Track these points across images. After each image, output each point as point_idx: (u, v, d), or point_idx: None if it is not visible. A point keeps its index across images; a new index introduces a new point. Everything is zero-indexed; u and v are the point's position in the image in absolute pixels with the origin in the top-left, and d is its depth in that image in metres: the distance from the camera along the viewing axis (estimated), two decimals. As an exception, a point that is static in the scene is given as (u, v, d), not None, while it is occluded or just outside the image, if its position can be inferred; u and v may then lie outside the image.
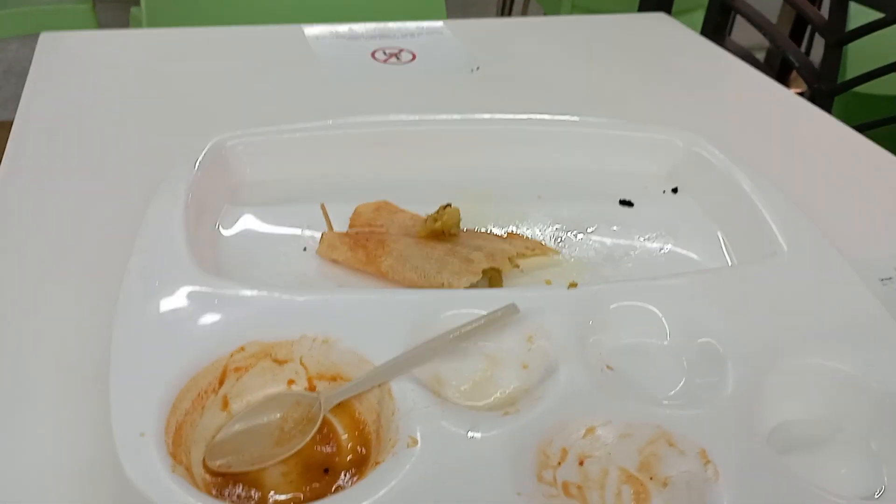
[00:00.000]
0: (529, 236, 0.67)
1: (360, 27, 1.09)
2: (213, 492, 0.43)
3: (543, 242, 0.66)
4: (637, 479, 0.44)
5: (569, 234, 0.67)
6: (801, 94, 1.03)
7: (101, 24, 1.38)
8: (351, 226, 0.65)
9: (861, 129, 0.89)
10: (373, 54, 1.01)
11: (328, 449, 0.46)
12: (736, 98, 1.00)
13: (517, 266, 0.61)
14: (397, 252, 0.59)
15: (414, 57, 1.02)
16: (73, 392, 0.49)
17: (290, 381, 0.49)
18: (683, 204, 0.72)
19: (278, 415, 0.47)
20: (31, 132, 0.78)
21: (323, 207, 0.64)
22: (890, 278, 0.61)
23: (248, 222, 0.65)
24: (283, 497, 0.43)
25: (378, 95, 0.92)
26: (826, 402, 0.50)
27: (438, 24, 1.12)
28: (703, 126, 0.77)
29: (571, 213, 0.69)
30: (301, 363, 0.49)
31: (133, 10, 1.57)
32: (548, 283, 0.61)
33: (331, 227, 0.64)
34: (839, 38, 1.21)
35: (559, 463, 0.44)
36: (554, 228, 0.68)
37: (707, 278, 0.58)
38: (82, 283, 0.59)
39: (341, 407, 0.48)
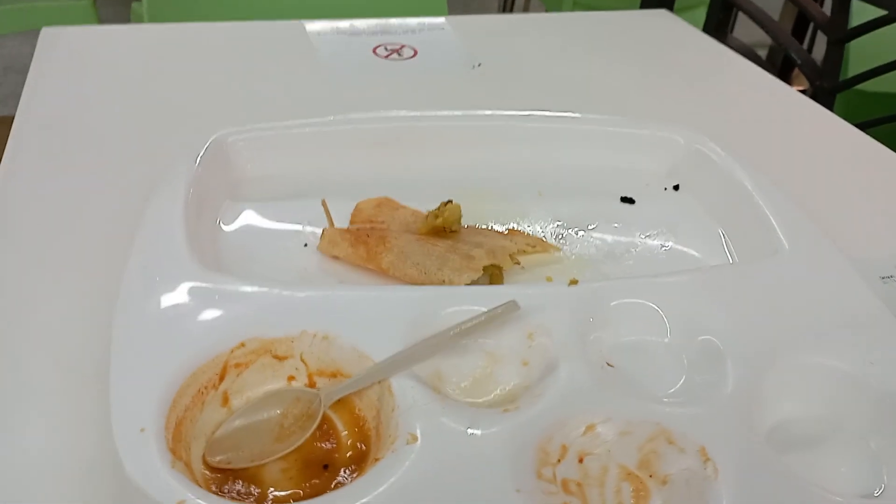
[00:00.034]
0: (530, 233, 0.66)
1: (361, 23, 1.09)
2: (213, 488, 0.43)
3: (544, 239, 0.66)
4: (637, 476, 0.44)
5: (570, 230, 0.67)
6: (803, 91, 1.03)
7: (102, 20, 1.38)
8: (352, 222, 0.65)
9: (863, 126, 0.89)
10: (374, 50, 1.01)
11: (328, 445, 0.46)
12: (738, 95, 0.99)
13: (518, 263, 0.61)
14: (398, 248, 0.59)
15: (415, 53, 1.02)
16: (73, 388, 0.49)
17: (291, 378, 0.49)
18: (684, 201, 0.72)
19: (278, 411, 0.47)
20: (31, 128, 0.78)
21: (324, 203, 0.64)
22: (891, 276, 0.61)
23: (249, 218, 0.65)
24: (282, 493, 0.43)
25: (379, 92, 0.92)
26: (826, 400, 0.50)
27: (440, 20, 1.12)
28: (704, 123, 0.77)
29: (572, 210, 0.69)
30: (301, 359, 0.49)
31: (134, 5, 1.57)
32: (549, 279, 0.61)
33: (332, 224, 0.64)
34: (841, 35, 1.21)
35: (559, 460, 0.44)
36: (555, 225, 0.68)
37: (708, 276, 0.58)
38: (82, 278, 0.59)
39: (341, 403, 0.48)
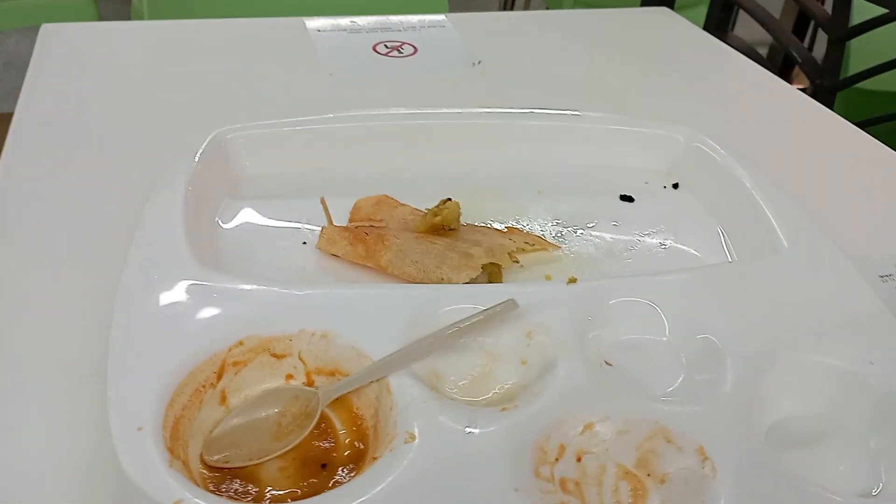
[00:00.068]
0: (529, 231, 0.66)
1: (361, 20, 1.08)
2: (211, 487, 0.43)
3: (543, 237, 0.66)
4: (635, 475, 0.44)
5: (569, 229, 0.67)
6: (803, 89, 1.03)
7: (102, 17, 1.38)
8: (351, 220, 0.65)
9: (863, 125, 0.89)
10: (374, 48, 1.01)
11: (326, 444, 0.46)
12: (738, 94, 0.99)
13: (517, 261, 0.61)
14: (397, 247, 0.59)
15: (415, 50, 1.01)
16: (72, 386, 0.49)
17: (289, 376, 0.49)
18: (684, 200, 0.72)
19: (276, 409, 0.47)
20: (31, 124, 0.78)
21: (323, 201, 0.64)
22: (890, 275, 0.61)
23: (248, 216, 0.65)
24: (280, 492, 0.43)
25: (379, 89, 0.92)
26: (825, 399, 0.50)
27: (440, 17, 1.12)
28: (704, 121, 0.77)
29: (571, 209, 0.69)
30: (299, 358, 0.49)
31: (134, 2, 1.57)
32: (547, 278, 0.61)
33: (330, 222, 0.64)
34: (842, 33, 1.21)
35: (557, 459, 0.44)
36: (554, 223, 0.68)
37: (707, 274, 0.58)
38: (81, 276, 0.59)
39: (339, 402, 0.48)
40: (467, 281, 0.56)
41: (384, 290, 0.54)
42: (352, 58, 0.98)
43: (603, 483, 0.44)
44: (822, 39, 1.29)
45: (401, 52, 1.01)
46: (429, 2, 1.32)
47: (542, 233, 0.66)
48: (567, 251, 0.65)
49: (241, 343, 0.48)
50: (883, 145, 0.85)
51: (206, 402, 0.47)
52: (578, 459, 0.45)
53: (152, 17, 1.25)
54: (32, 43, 0.95)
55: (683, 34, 1.16)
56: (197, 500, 0.39)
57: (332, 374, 0.49)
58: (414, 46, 1.02)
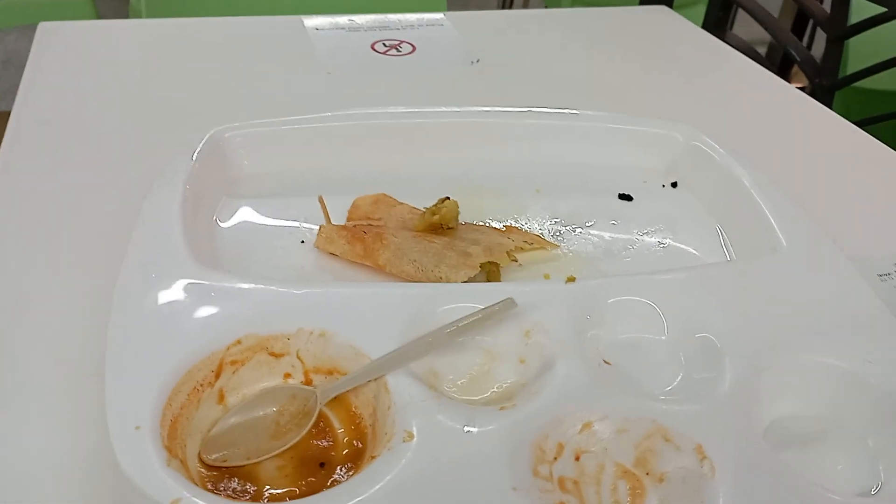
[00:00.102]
0: (528, 230, 0.66)
1: (360, 18, 1.08)
2: (209, 486, 0.43)
3: (542, 236, 0.66)
4: (633, 474, 0.44)
5: (567, 228, 0.67)
6: (802, 88, 1.03)
7: (101, 15, 1.38)
8: (349, 219, 0.65)
9: (862, 124, 0.89)
10: (372, 46, 1.01)
11: (324, 443, 0.46)
12: (737, 92, 0.99)
13: (515, 260, 0.61)
14: (395, 245, 0.59)
15: (414, 49, 1.01)
16: (70, 385, 0.49)
17: (287, 375, 0.49)
18: (683, 198, 0.72)
19: (274, 408, 0.47)
20: (28, 123, 0.78)
21: (321, 200, 0.64)
22: (889, 274, 0.61)
23: (246, 215, 0.65)
24: (278, 491, 0.43)
25: (377, 87, 0.91)
26: (824, 398, 0.50)
27: (439, 15, 1.11)
28: (703, 120, 0.77)
29: (570, 207, 0.69)
30: (297, 357, 0.49)
31: (132, 0, 1.56)
32: (546, 277, 0.61)
33: (328, 220, 0.64)
34: (841, 32, 1.21)
35: (555, 458, 0.44)
36: (552, 222, 0.68)
37: (706, 273, 0.57)
38: (79, 274, 0.58)
39: (337, 401, 0.48)
40: (465, 280, 0.56)
41: (382, 288, 0.54)
42: (350, 56, 0.98)
43: (601, 482, 0.44)
44: (820, 38, 1.29)
45: (399, 51, 1.00)
46: (427, 0, 1.32)
47: (540, 232, 0.66)
48: (566, 250, 0.65)
49: (238, 342, 0.48)
50: (882, 144, 0.85)
51: (204, 401, 0.47)
52: (577, 458, 0.45)
53: (150, 15, 1.25)
54: (31, 41, 0.94)
55: (682, 33, 1.15)
56: (195, 499, 0.39)
57: (330, 372, 0.49)
58: (412, 45, 1.02)
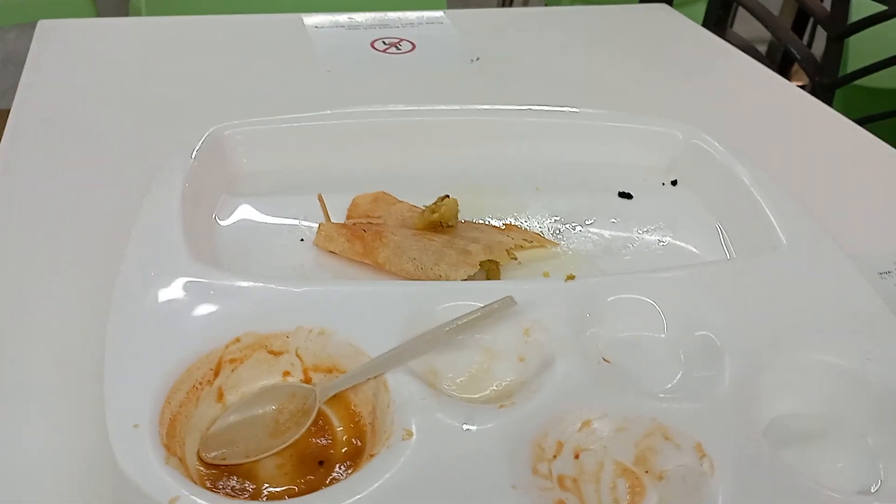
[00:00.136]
0: (527, 228, 0.66)
1: (359, 16, 1.08)
2: (208, 483, 0.43)
3: (541, 234, 0.65)
4: (632, 472, 0.44)
5: (567, 226, 0.67)
6: (802, 87, 1.03)
7: (100, 13, 1.37)
8: (348, 217, 0.65)
9: (862, 122, 0.89)
10: (372, 44, 1.01)
11: (323, 441, 0.46)
12: (737, 91, 0.99)
13: (515, 258, 0.61)
14: (394, 243, 0.59)
15: (413, 47, 1.01)
16: (70, 384, 0.49)
17: (286, 373, 0.49)
18: (683, 196, 0.72)
19: (273, 406, 0.47)
20: (27, 121, 0.78)
21: (320, 198, 0.64)
22: (889, 272, 0.61)
23: (245, 213, 0.65)
24: (277, 489, 0.43)
25: (377, 85, 0.91)
26: (823, 396, 0.50)
27: (439, 13, 1.11)
28: (703, 118, 0.77)
29: (570, 205, 0.69)
30: (297, 355, 0.49)
31: (132, -2, 1.56)
32: (545, 275, 0.61)
33: (328, 218, 0.63)
34: (841, 30, 1.21)
35: (554, 456, 0.44)
36: (552, 220, 0.67)
37: (705, 271, 0.57)
38: (78, 273, 0.58)
39: (337, 399, 0.48)
40: (465, 278, 0.56)
41: (382, 286, 0.54)
42: (350, 54, 0.98)
43: (601, 480, 0.44)
44: (821, 36, 1.29)
45: (399, 49, 1.00)
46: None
47: (540, 230, 0.66)
48: (565, 248, 0.65)
49: (238, 340, 0.48)
50: (882, 142, 0.85)
51: (203, 400, 0.47)
52: (576, 456, 0.45)
53: (150, 13, 1.25)
54: (30, 39, 0.94)
55: (682, 31, 1.15)
56: (193, 497, 0.39)
57: (329, 371, 0.49)
58: (412, 43, 1.02)
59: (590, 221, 0.67)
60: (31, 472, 0.44)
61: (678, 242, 0.66)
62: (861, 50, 1.33)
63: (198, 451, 0.44)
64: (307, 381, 0.49)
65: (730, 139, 0.72)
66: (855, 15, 1.21)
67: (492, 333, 0.51)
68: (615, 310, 0.54)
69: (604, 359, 0.52)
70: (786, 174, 0.72)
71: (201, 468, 0.43)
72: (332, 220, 0.63)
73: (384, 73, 0.94)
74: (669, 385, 0.51)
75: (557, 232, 0.66)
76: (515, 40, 1.07)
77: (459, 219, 0.63)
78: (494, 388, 0.49)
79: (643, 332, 0.54)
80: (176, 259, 0.53)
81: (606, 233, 0.67)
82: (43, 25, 0.98)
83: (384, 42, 1.02)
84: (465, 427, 0.43)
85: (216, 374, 0.47)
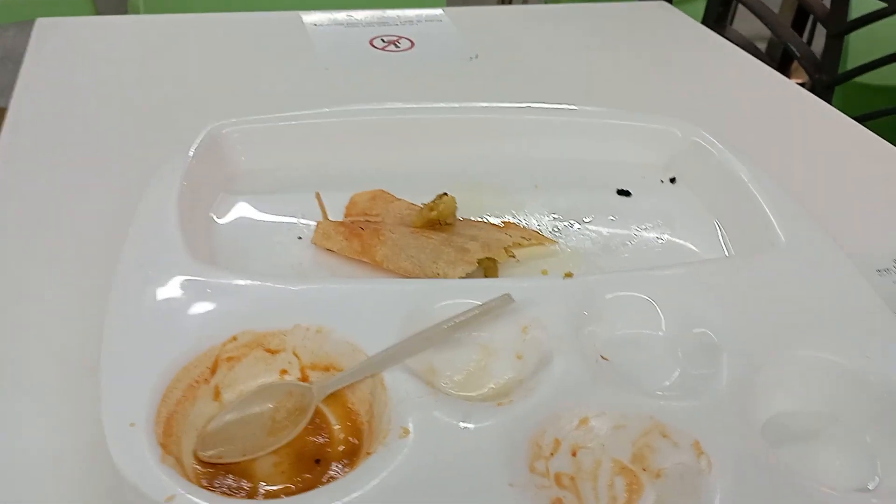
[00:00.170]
0: (526, 226, 0.66)
1: (358, 14, 1.08)
2: (204, 482, 0.42)
3: (540, 232, 0.65)
4: (630, 470, 0.44)
5: (565, 223, 0.67)
6: (801, 84, 1.03)
7: (99, 11, 1.37)
8: (346, 215, 0.65)
9: (861, 119, 0.89)
10: (371, 42, 1.01)
11: (320, 439, 0.46)
12: (736, 88, 0.99)
13: (513, 256, 0.61)
14: (392, 241, 0.59)
15: (412, 45, 1.01)
16: (66, 381, 0.49)
17: (283, 371, 0.49)
18: (681, 194, 0.72)
19: (270, 405, 0.47)
20: (25, 119, 0.77)
21: (318, 196, 0.64)
22: (887, 269, 0.61)
23: (243, 211, 0.64)
24: (274, 487, 0.43)
25: (376, 83, 0.91)
26: (821, 394, 0.50)
27: (438, 11, 1.11)
28: (702, 116, 0.77)
29: (568, 203, 0.69)
30: (294, 353, 0.49)
31: (131, -4, 1.56)
32: (544, 273, 0.61)
33: (326, 216, 0.63)
34: (841, 28, 1.20)
35: (552, 454, 0.44)
36: (551, 218, 0.67)
37: (704, 269, 0.57)
38: (76, 271, 0.58)
39: (334, 397, 0.47)
40: (463, 276, 0.56)
41: (379, 285, 0.54)
42: (348, 52, 0.98)
43: (598, 478, 0.44)
44: (820, 34, 1.29)
45: (398, 47, 1.00)
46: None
47: (538, 227, 0.66)
48: (564, 246, 0.65)
49: (235, 338, 0.48)
50: (881, 140, 0.85)
51: (200, 398, 0.46)
52: (574, 454, 0.44)
53: (148, 11, 1.25)
54: (29, 37, 0.94)
55: (681, 28, 1.15)
56: (189, 496, 0.39)
57: (326, 369, 0.49)
58: (411, 41, 1.02)
59: (588, 219, 0.67)
60: (26, 470, 0.44)
61: (676, 240, 0.66)
62: (861, 47, 1.33)
63: (194, 450, 0.44)
64: (304, 379, 0.49)
65: (729, 137, 0.72)
66: (855, 12, 1.21)
67: (490, 331, 0.51)
68: (613, 307, 0.53)
69: (602, 356, 0.51)
70: (785, 172, 0.72)
71: (198, 467, 0.43)
72: (330, 219, 0.63)
73: (383, 71, 0.94)
74: (667, 383, 0.51)
75: (556, 230, 0.66)
76: (514, 38, 1.07)
77: (458, 216, 0.63)
78: (492, 385, 0.49)
79: (641, 329, 0.53)
80: (173, 257, 0.53)
81: (605, 230, 0.67)
82: (41, 23, 0.98)
83: (383, 40, 1.02)
84: (462, 425, 0.43)
85: (213, 373, 0.47)
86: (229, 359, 0.48)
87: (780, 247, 0.59)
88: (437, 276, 0.57)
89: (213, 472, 0.43)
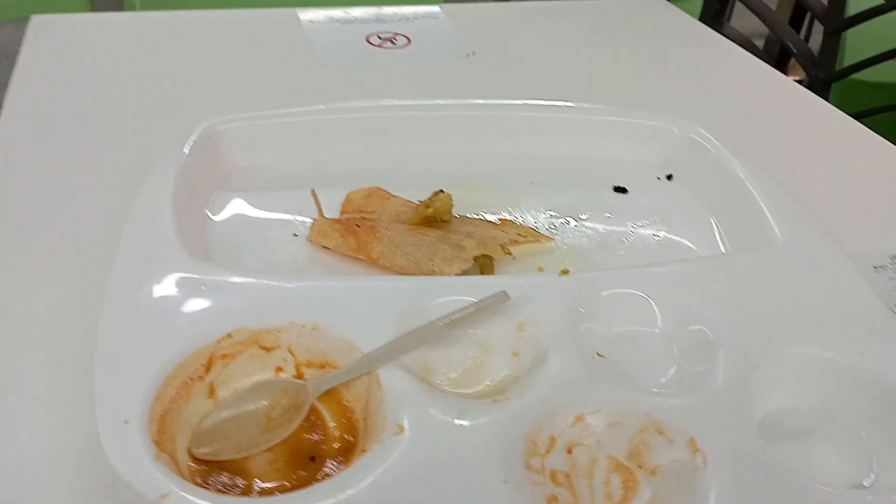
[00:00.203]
0: (522, 223, 0.66)
1: (355, 11, 1.08)
2: (198, 480, 0.42)
3: (536, 229, 0.65)
4: (626, 467, 0.44)
5: (562, 220, 0.67)
6: (799, 81, 1.03)
7: (95, 7, 1.37)
8: (342, 212, 0.64)
9: (858, 116, 0.89)
10: (368, 39, 1.01)
11: (315, 436, 0.45)
12: (733, 85, 0.99)
13: (509, 253, 0.61)
14: (388, 239, 0.59)
15: (409, 41, 1.01)
16: (60, 378, 0.49)
17: (278, 369, 0.49)
18: (678, 191, 0.72)
19: (265, 402, 0.47)
20: (20, 116, 0.77)
21: (314, 193, 0.64)
22: (883, 266, 0.61)
23: (239, 208, 0.64)
24: (268, 485, 0.43)
25: (372, 80, 0.91)
26: (817, 391, 0.50)
27: (434, 8, 1.11)
28: (699, 113, 0.77)
29: (565, 200, 0.69)
30: (289, 350, 0.49)
31: (127, -7, 1.56)
32: (540, 270, 0.60)
33: (321, 214, 0.63)
34: (838, 25, 1.20)
35: (547, 451, 0.44)
36: (547, 215, 0.67)
37: (700, 266, 0.57)
38: (70, 268, 0.58)
39: (329, 394, 0.47)
40: (459, 273, 0.56)
41: (375, 282, 0.54)
42: (345, 49, 0.98)
43: (594, 475, 0.44)
44: (818, 31, 1.29)
45: (394, 44, 1.00)
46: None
47: (535, 224, 0.66)
48: (560, 243, 0.65)
49: (230, 335, 0.48)
50: (878, 136, 0.85)
51: (195, 395, 0.46)
52: (569, 451, 0.44)
53: (144, 8, 1.24)
54: (24, 34, 0.94)
55: (678, 25, 1.15)
56: (184, 494, 0.38)
57: (322, 366, 0.49)
58: (407, 38, 1.02)
59: (584, 216, 0.67)
60: (20, 468, 0.44)
61: (673, 237, 0.66)
62: (858, 44, 1.33)
63: (189, 447, 0.44)
64: (299, 376, 0.49)
65: (725, 134, 0.72)
66: (852, 9, 1.21)
67: (485, 328, 0.51)
68: (609, 304, 0.53)
69: (598, 353, 0.51)
70: (781, 169, 0.72)
71: (192, 464, 0.43)
72: (326, 216, 0.63)
73: (379, 68, 0.94)
74: (663, 380, 0.51)
75: (552, 226, 0.66)
76: (511, 35, 1.07)
77: (454, 214, 0.63)
78: (488, 383, 0.49)
79: (637, 326, 0.53)
80: (168, 254, 0.53)
81: (601, 227, 0.66)
82: (37, 20, 0.97)
83: (379, 37, 1.01)
84: (457, 422, 0.43)
85: (208, 370, 0.47)
86: (224, 356, 0.48)
87: (777, 244, 0.59)
88: (433, 273, 0.57)
89: (207, 470, 0.43)
